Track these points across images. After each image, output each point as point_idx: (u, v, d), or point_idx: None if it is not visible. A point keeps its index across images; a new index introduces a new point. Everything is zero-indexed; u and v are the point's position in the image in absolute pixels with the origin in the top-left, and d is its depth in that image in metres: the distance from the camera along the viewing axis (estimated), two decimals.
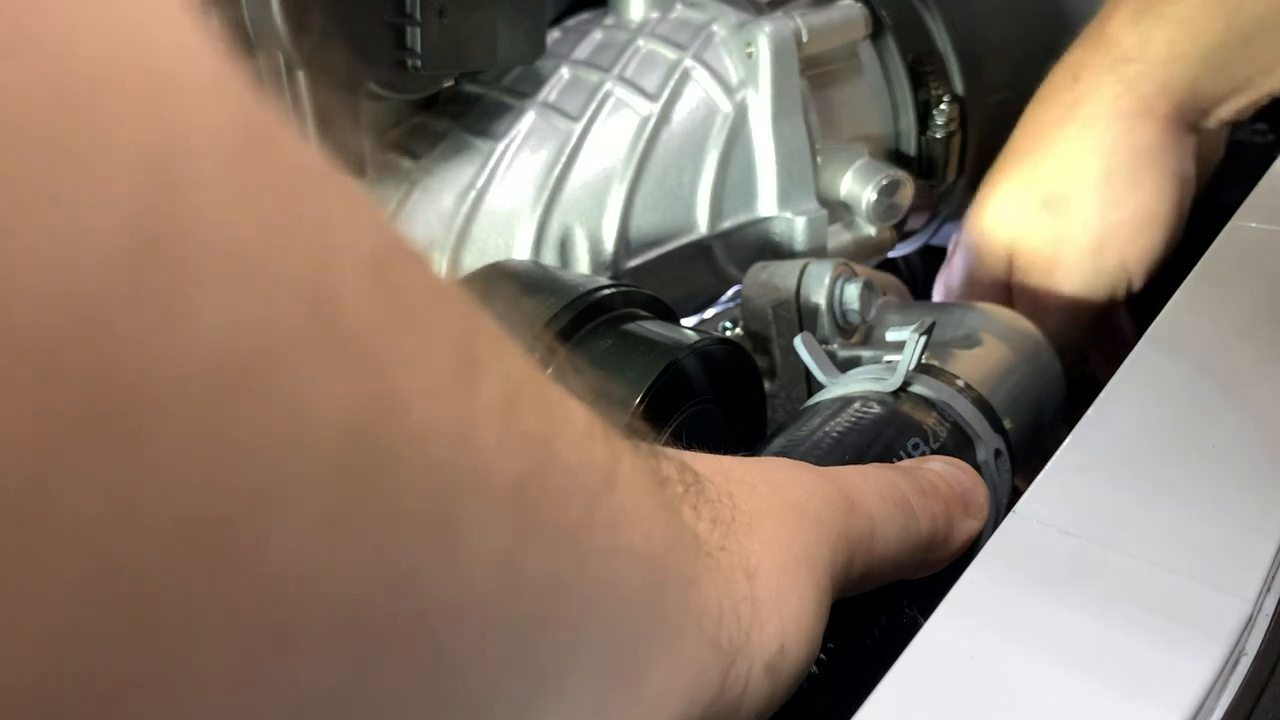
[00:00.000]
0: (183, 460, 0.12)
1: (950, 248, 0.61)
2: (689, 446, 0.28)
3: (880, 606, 0.31)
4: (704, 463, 0.26)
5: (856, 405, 0.37)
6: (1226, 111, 0.54)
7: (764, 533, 0.25)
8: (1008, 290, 0.57)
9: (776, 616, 0.24)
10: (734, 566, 0.24)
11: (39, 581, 0.11)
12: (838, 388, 0.40)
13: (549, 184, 0.50)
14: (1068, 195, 0.54)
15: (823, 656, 0.28)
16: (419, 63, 0.46)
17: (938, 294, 0.62)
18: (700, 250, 0.54)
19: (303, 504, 0.13)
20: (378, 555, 0.14)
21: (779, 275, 0.47)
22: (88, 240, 0.11)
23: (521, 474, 0.17)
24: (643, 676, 0.21)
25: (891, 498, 0.29)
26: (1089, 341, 0.57)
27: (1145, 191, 0.53)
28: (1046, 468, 0.29)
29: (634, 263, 0.52)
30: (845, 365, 0.44)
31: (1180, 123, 0.53)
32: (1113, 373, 0.33)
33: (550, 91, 0.53)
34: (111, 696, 0.12)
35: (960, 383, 0.40)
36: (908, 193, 0.57)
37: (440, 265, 0.49)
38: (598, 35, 0.56)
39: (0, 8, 0.10)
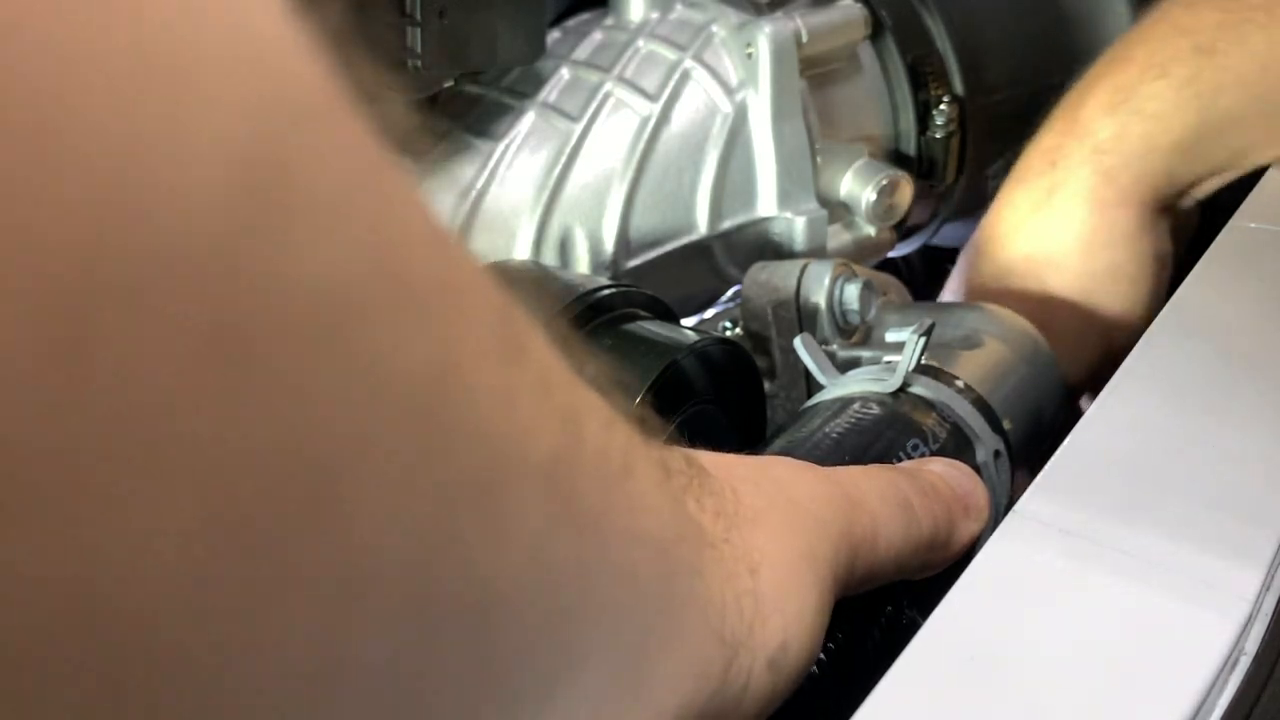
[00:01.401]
0: (289, 395, 0.12)
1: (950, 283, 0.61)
2: (690, 446, 0.28)
3: (880, 607, 0.31)
4: (708, 459, 0.26)
5: (856, 406, 0.37)
6: (1202, 192, 0.55)
7: (767, 529, 0.25)
8: None
9: (779, 613, 0.24)
10: (737, 560, 0.24)
11: (163, 510, 0.11)
12: (837, 388, 0.40)
13: (549, 184, 0.50)
14: (1047, 285, 0.55)
15: (823, 656, 0.28)
16: (419, 63, 0.46)
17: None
18: (700, 250, 0.54)
19: (381, 455, 0.14)
20: (437, 517, 0.15)
21: (779, 275, 0.47)
22: (209, 169, 0.11)
23: (554, 451, 0.17)
24: (652, 665, 0.21)
25: (894, 498, 0.29)
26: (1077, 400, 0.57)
27: (1125, 279, 0.54)
28: (1046, 467, 0.29)
29: (634, 263, 0.52)
30: (845, 366, 0.44)
31: (1156, 207, 0.54)
32: None
33: (550, 92, 0.53)
34: (206, 634, 0.12)
35: (960, 383, 0.40)
36: (908, 193, 0.57)
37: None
38: (598, 35, 0.56)
39: None
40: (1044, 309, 0.54)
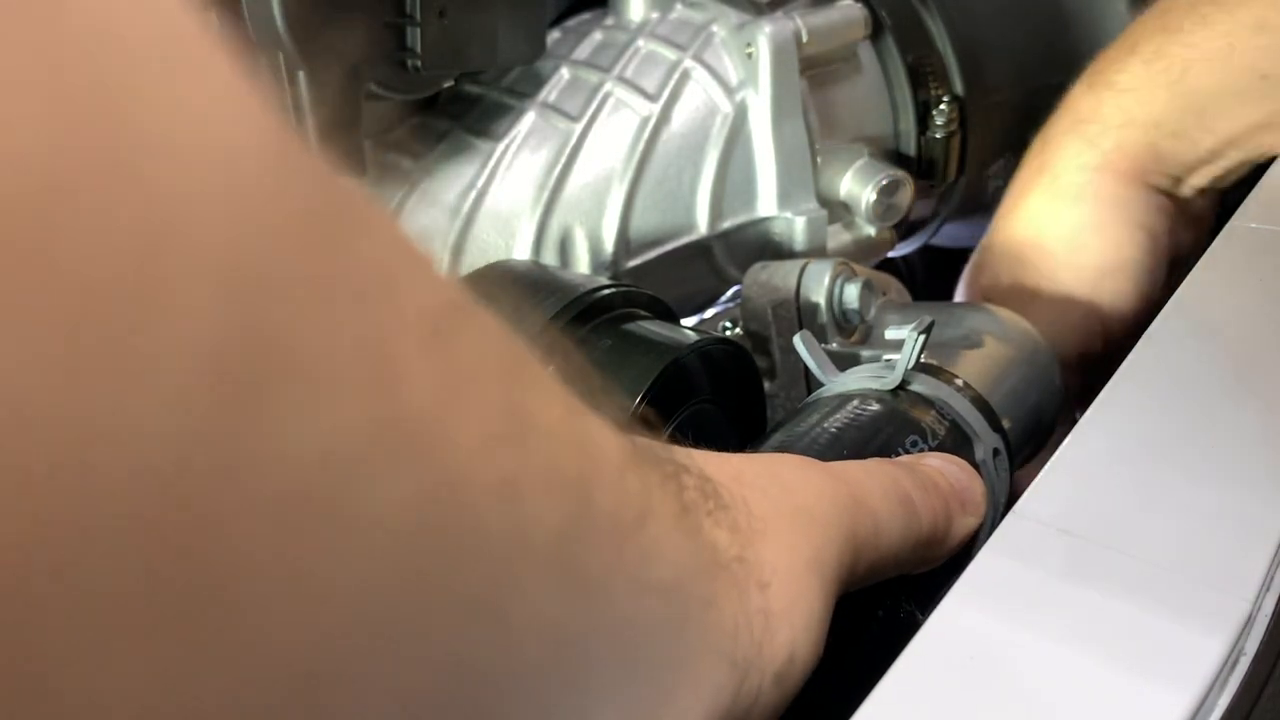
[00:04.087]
0: (253, 617, 0.11)
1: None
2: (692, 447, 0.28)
3: (878, 602, 0.31)
4: (716, 465, 0.26)
5: (855, 403, 0.37)
6: (1200, 179, 0.56)
7: (775, 538, 0.25)
8: None
9: (787, 626, 0.24)
10: (749, 579, 0.23)
11: None
12: (836, 386, 0.40)
13: (549, 184, 0.50)
14: (1038, 253, 0.56)
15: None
16: (419, 63, 0.46)
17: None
18: (700, 250, 0.54)
19: (369, 614, 0.13)
20: (433, 644, 0.14)
21: (779, 275, 0.47)
22: (164, 403, 0.10)
23: (560, 527, 0.16)
24: (666, 703, 0.21)
25: (894, 494, 0.29)
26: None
27: (1109, 239, 0.55)
28: (1046, 467, 0.29)
29: (634, 263, 0.52)
30: (844, 364, 0.44)
31: (1143, 180, 0.55)
32: None
33: (550, 91, 0.53)
34: None
35: (959, 381, 0.40)
36: (908, 193, 0.57)
37: (440, 265, 0.49)
38: (598, 35, 0.56)
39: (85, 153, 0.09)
40: (1035, 283, 0.56)
